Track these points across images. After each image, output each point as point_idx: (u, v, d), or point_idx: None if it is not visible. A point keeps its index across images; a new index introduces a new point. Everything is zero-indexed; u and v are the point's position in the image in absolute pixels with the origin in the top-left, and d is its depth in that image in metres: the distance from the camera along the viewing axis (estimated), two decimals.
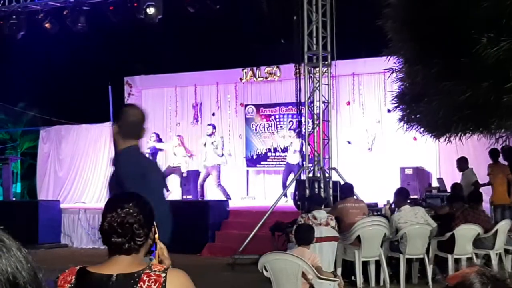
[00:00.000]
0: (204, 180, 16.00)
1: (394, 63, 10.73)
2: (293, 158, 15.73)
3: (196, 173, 16.68)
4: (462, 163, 12.50)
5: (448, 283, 1.45)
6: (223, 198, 15.64)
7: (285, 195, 14.38)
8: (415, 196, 13.04)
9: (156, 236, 2.76)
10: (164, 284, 2.47)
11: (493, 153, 11.91)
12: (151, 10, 14.99)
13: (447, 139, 9.94)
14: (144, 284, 2.47)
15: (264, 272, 7.40)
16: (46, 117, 19.67)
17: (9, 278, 0.94)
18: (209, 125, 16.70)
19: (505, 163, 12.18)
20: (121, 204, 2.59)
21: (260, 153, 17.84)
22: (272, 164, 17.74)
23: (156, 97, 19.43)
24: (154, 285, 2.46)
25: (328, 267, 8.39)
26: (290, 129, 16.86)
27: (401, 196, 10.20)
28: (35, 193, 19.66)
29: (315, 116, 12.99)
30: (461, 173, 12.52)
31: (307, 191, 12.44)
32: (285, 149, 16.99)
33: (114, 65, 18.14)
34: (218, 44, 16.76)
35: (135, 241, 2.55)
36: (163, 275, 2.49)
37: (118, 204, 2.60)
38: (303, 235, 7.45)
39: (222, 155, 15.98)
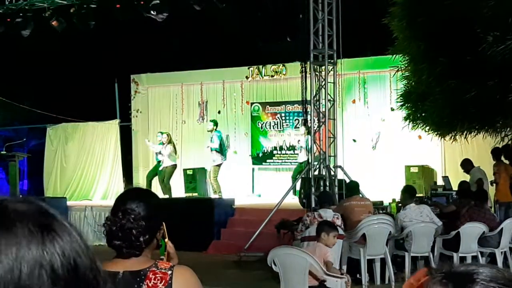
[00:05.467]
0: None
1: (400, 61, 10.75)
2: (303, 156, 15.77)
3: (202, 170, 16.71)
4: (466, 165, 12.52)
5: None
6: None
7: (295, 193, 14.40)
8: (421, 195, 13.04)
9: (166, 239, 2.73)
10: (170, 281, 2.48)
11: (495, 152, 11.91)
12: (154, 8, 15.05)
13: (452, 137, 9.96)
14: (150, 282, 2.48)
15: (273, 266, 7.45)
16: (53, 114, 19.72)
17: (70, 262, 0.96)
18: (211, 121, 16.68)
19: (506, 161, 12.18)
20: (125, 206, 2.57)
21: (266, 151, 17.87)
22: (277, 162, 17.76)
23: (162, 94, 19.46)
24: (160, 282, 2.48)
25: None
26: (296, 127, 16.84)
27: (407, 194, 10.21)
28: (42, 190, 19.72)
29: (321, 114, 13.00)
30: (468, 174, 12.53)
31: (313, 189, 12.46)
32: (291, 147, 17.03)
33: (121, 62, 18.18)
34: (224, 42, 16.78)
35: (134, 247, 2.55)
36: (169, 272, 2.51)
37: (122, 206, 2.58)
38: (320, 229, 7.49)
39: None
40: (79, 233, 1.00)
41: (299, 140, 16.49)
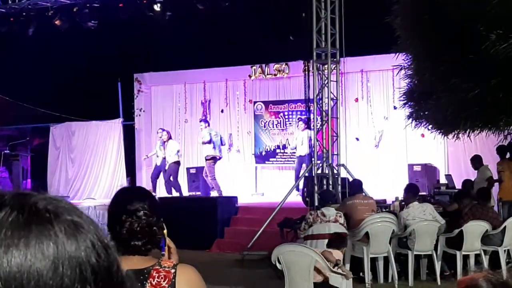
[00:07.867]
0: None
1: (403, 60, 10.73)
2: (302, 149, 15.76)
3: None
4: (476, 162, 12.50)
5: (457, 287, 1.48)
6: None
7: (298, 189, 14.38)
8: (424, 193, 13.05)
9: (165, 231, 2.75)
10: (173, 279, 2.48)
11: (500, 150, 11.90)
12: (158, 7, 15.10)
13: (455, 136, 9.94)
14: (153, 280, 2.49)
15: (277, 264, 7.46)
16: (56, 113, 19.75)
17: (102, 258, 0.94)
18: (201, 121, 16.66)
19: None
20: (135, 206, 2.57)
21: (268, 149, 17.88)
22: (280, 161, 17.77)
23: (165, 93, 19.49)
24: (164, 281, 2.48)
25: None
26: (298, 119, 16.74)
27: (410, 192, 10.21)
28: (45, 189, 19.73)
29: (324, 113, 13.01)
30: (476, 170, 12.53)
31: (316, 188, 12.46)
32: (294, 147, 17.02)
33: (124, 61, 18.20)
34: (227, 41, 16.78)
35: (154, 243, 2.57)
36: (173, 270, 2.51)
37: (131, 206, 2.57)
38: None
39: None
40: (101, 229, 0.99)
41: (287, 139, 16.58)
